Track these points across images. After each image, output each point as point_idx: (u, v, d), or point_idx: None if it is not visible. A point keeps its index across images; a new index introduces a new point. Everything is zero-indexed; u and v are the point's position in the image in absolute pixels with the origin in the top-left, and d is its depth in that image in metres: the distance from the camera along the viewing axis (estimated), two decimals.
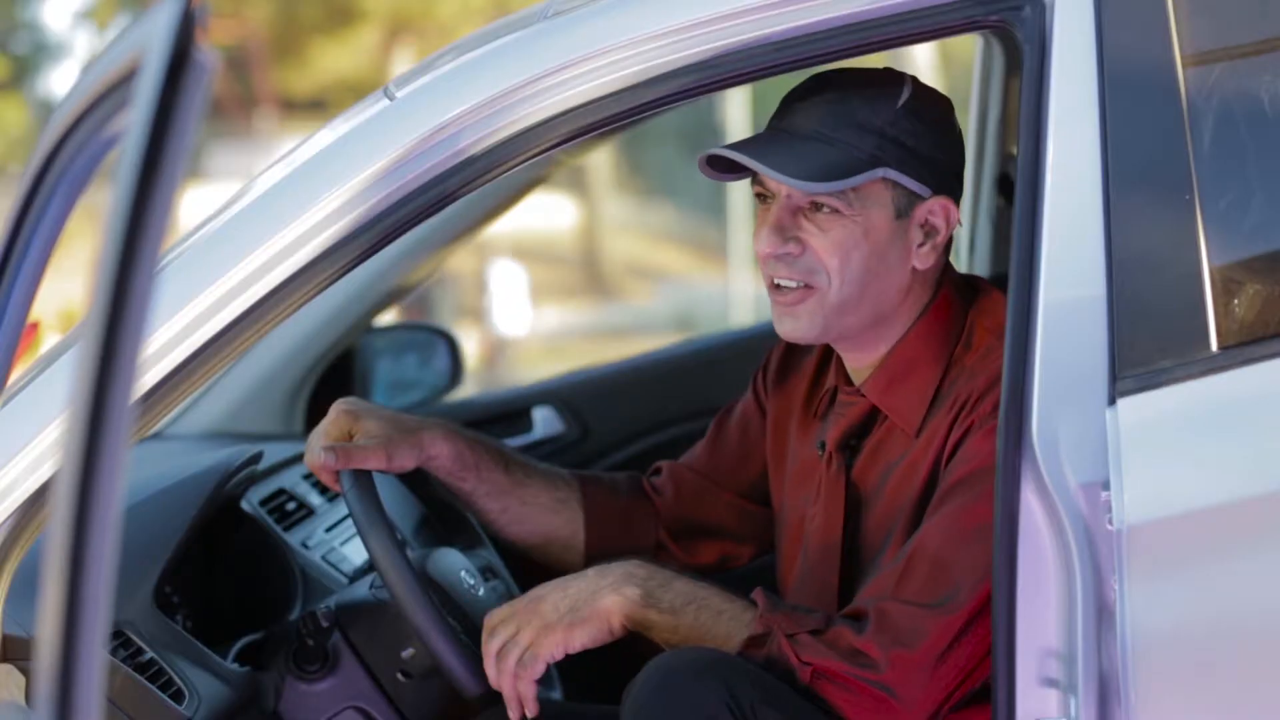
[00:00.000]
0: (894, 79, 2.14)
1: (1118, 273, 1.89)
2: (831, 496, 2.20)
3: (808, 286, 2.11)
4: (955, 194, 2.14)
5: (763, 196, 2.14)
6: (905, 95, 2.11)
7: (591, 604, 2.09)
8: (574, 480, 2.41)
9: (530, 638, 2.10)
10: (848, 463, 2.20)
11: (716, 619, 2.08)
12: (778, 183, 2.09)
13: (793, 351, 2.35)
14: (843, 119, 2.09)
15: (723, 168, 2.12)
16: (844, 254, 2.09)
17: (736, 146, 2.10)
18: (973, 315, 2.16)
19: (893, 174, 2.09)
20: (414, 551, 2.43)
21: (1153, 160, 1.91)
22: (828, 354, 2.28)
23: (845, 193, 2.08)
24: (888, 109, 2.09)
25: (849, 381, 2.22)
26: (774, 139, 2.11)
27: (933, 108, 2.13)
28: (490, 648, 2.12)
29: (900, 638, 2.01)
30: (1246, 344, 1.89)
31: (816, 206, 2.09)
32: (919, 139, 2.10)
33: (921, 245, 2.12)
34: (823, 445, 2.23)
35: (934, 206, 2.11)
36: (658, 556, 2.13)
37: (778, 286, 2.12)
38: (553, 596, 2.11)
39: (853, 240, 2.09)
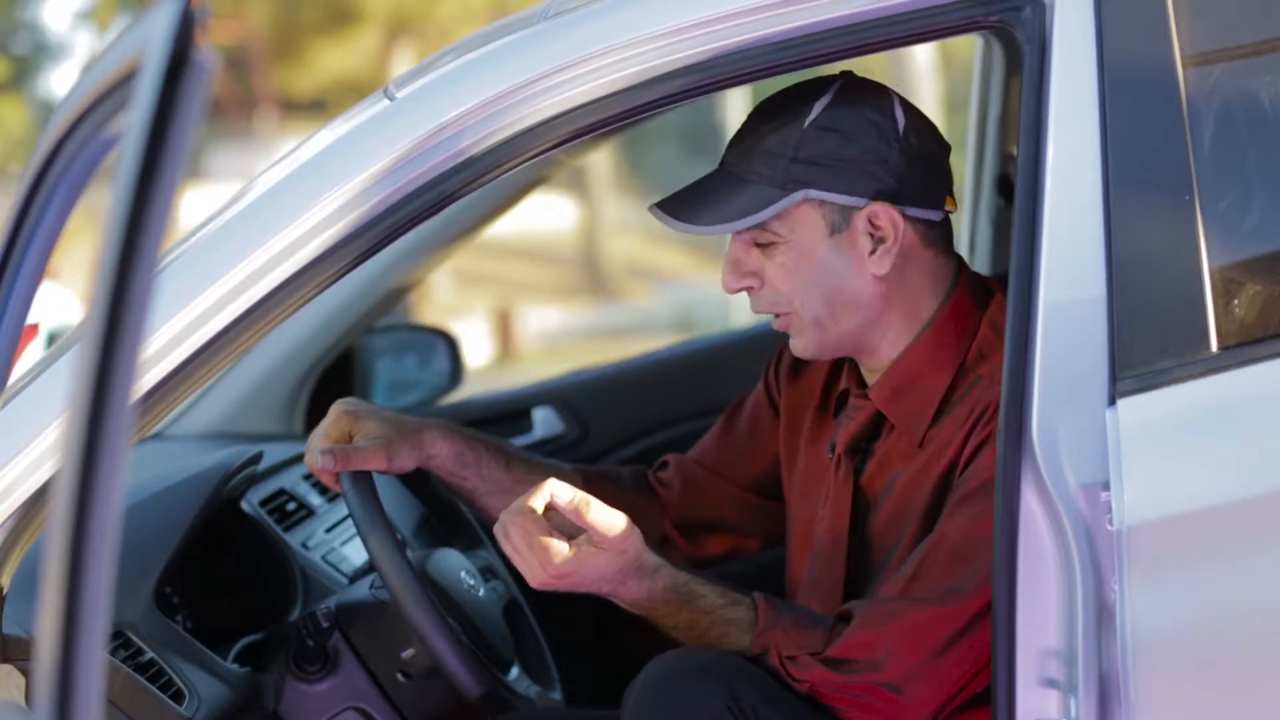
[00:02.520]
0: (808, 94, 2.12)
1: (1118, 273, 1.88)
2: (839, 500, 2.20)
3: (784, 312, 2.14)
4: (905, 194, 2.09)
5: None
6: (816, 111, 2.09)
7: (596, 591, 2.08)
8: (576, 475, 2.40)
9: (542, 573, 2.03)
10: (857, 467, 2.20)
11: (723, 635, 2.08)
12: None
13: None
14: (753, 152, 2.11)
15: None
16: (792, 278, 2.12)
17: (662, 201, 2.15)
18: (985, 322, 2.15)
19: (814, 194, 2.09)
20: (414, 552, 2.43)
21: (1153, 160, 1.91)
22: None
23: (770, 222, 2.10)
24: (794, 132, 2.09)
25: (861, 384, 2.22)
26: (705, 183, 2.14)
27: (856, 111, 2.10)
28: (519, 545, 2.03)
29: (900, 633, 2.01)
30: (1246, 344, 1.89)
31: (759, 241, 2.11)
32: (838, 151, 2.08)
33: (873, 253, 2.11)
34: (833, 447, 2.23)
35: (874, 212, 2.09)
36: (663, 550, 2.12)
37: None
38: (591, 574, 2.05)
39: (794, 264, 2.11)
